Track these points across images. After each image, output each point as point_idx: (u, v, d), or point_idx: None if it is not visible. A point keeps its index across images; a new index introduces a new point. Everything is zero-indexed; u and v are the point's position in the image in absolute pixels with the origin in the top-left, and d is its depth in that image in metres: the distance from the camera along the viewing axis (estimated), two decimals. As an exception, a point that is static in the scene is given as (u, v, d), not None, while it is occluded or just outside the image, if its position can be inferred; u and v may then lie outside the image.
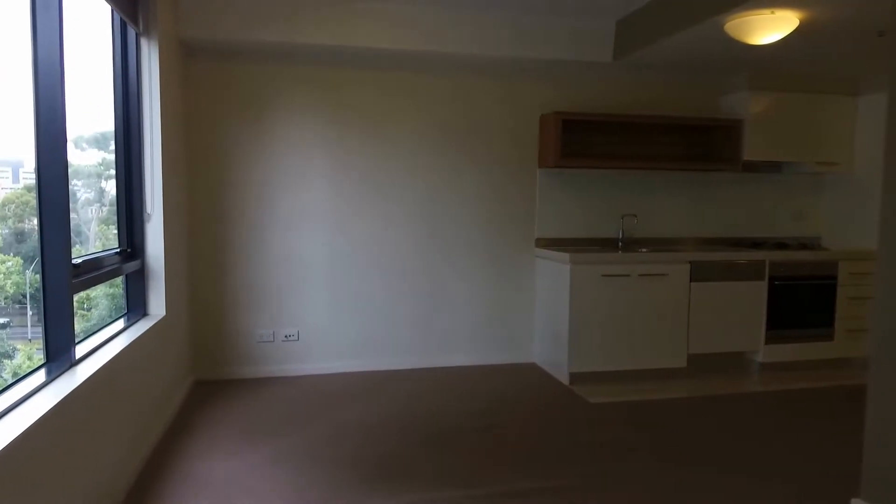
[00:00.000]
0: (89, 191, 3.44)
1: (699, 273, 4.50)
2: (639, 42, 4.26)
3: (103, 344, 2.80)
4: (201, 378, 4.42)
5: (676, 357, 4.51)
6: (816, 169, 4.97)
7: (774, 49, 4.04)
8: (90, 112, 3.23)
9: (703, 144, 5.04)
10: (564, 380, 4.37)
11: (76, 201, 3.15)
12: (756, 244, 5.03)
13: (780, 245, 4.95)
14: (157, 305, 3.55)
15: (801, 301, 4.69)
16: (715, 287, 4.54)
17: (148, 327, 3.22)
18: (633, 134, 4.89)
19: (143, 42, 3.44)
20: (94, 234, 3.44)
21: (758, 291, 4.63)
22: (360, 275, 4.61)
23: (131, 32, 3.38)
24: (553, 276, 4.54)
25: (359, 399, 4.02)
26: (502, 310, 4.87)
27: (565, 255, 4.30)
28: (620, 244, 4.91)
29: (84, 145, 3.29)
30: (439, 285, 4.75)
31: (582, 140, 4.82)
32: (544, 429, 3.52)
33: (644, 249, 4.79)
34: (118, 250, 3.30)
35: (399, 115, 4.58)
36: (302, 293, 4.53)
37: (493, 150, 4.75)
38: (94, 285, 2.86)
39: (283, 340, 4.54)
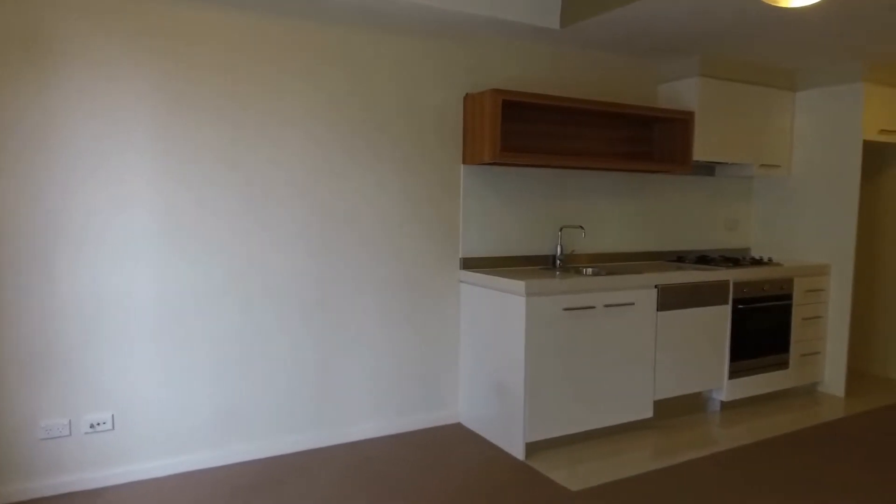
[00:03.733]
0: None
1: (666, 300, 3.62)
2: (597, 4, 3.26)
3: None
4: (-65, 512, 2.59)
5: (642, 407, 3.58)
6: (760, 172, 4.37)
7: (782, 19, 3.26)
8: None
9: (645, 140, 4.20)
10: (517, 452, 3.21)
11: None
12: (703, 259, 4.30)
13: (731, 260, 4.26)
14: None
15: (761, 325, 4.03)
16: (681, 316, 3.69)
17: None
18: (577, 125, 3.90)
19: None
20: None
21: (722, 317, 3.87)
22: (211, 319, 3.05)
23: None
24: (493, 309, 3.37)
25: (230, 528, 2.51)
26: (418, 356, 3.60)
27: (518, 284, 3.15)
28: (559, 263, 3.88)
29: None
30: (333, 327, 3.34)
31: (521, 130, 3.71)
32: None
33: (588, 270, 3.81)
34: None
35: (267, 83, 3.10)
36: (117, 354, 2.87)
37: (401, 137, 3.46)
38: None
39: (86, 432, 2.84)
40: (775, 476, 3.04)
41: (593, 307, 3.32)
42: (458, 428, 3.64)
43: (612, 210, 4.15)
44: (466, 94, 3.58)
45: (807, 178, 4.43)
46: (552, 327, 3.21)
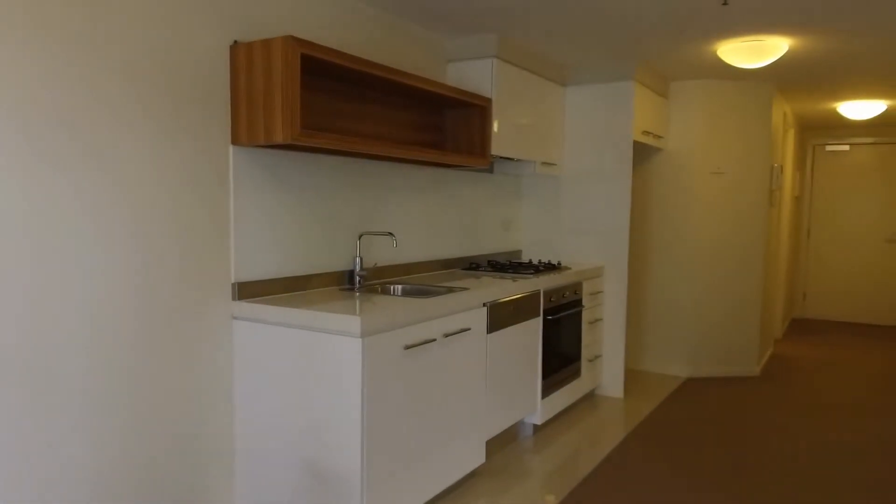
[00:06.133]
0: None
1: (494, 319, 3.00)
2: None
3: None
4: None
5: (477, 453, 2.91)
6: (540, 170, 4.08)
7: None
8: None
9: (435, 128, 3.53)
10: (352, 561, 2.23)
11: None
12: (496, 265, 3.82)
13: (529, 266, 3.83)
14: None
15: (561, 335, 3.72)
16: (504, 336, 3.12)
17: None
18: (364, 102, 3.02)
19: None
20: None
21: (535, 332, 3.43)
22: None
23: None
24: (299, 357, 2.31)
25: None
26: (168, 439, 2.31)
27: (349, 319, 2.17)
28: (359, 281, 2.97)
29: None
30: (15, 413, 1.89)
31: (319, 102, 2.69)
32: None
33: (397, 289, 3.02)
34: None
35: None
36: None
37: (130, 101, 2.15)
38: None
39: None
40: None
41: (434, 339, 2.52)
42: (240, 534, 2.47)
43: (408, 211, 3.40)
44: (235, 41, 2.43)
45: (576, 176, 4.31)
46: (392, 374, 2.31)
